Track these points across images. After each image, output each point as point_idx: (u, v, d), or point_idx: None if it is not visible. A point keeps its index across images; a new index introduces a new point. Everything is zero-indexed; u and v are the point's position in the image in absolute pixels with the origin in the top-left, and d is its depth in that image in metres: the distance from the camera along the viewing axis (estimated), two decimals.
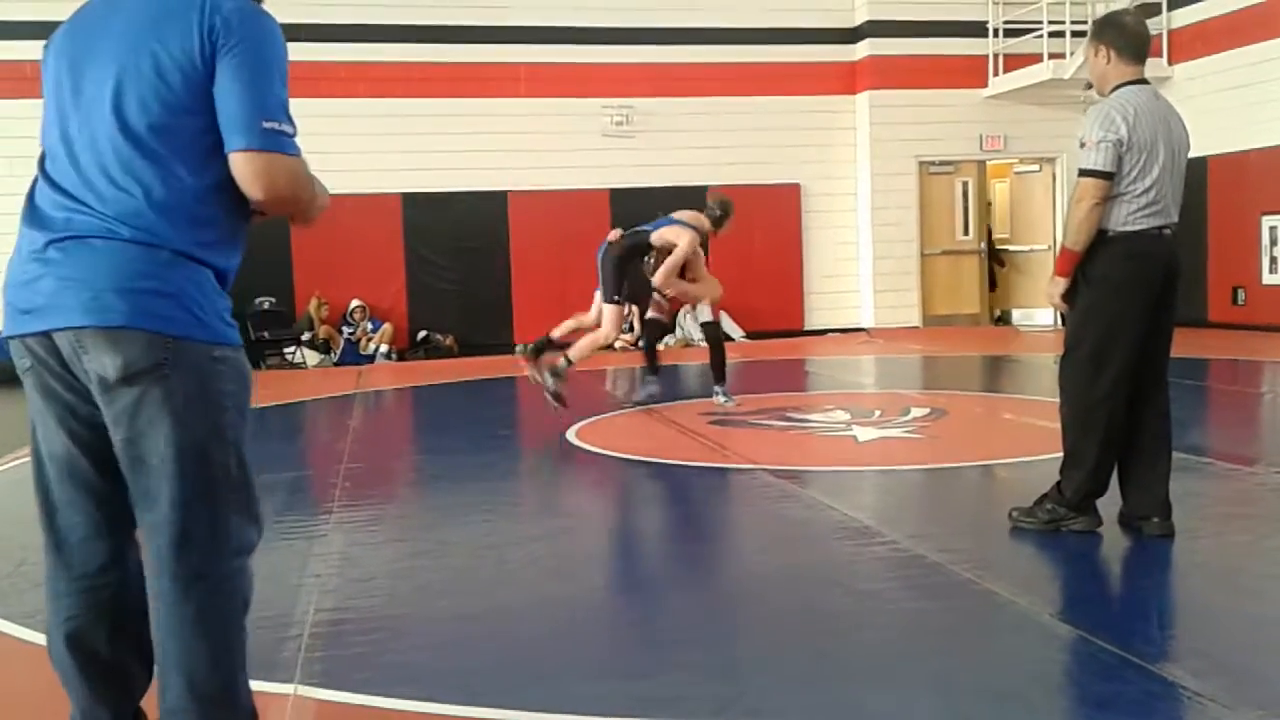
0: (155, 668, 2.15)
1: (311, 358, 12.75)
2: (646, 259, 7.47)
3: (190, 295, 2.06)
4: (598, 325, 7.50)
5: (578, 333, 7.66)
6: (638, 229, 7.60)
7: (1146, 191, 3.97)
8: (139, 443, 2.04)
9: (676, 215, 7.64)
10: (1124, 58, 4.08)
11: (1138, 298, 4.03)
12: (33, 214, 2.10)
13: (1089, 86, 4.41)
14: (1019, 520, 4.29)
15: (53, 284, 2.03)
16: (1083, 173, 3.99)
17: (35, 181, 2.16)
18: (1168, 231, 4.06)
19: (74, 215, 2.05)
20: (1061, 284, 4.10)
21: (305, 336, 12.86)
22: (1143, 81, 4.09)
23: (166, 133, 2.05)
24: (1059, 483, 4.21)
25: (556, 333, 7.75)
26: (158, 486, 2.05)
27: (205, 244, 2.10)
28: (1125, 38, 4.09)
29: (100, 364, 2.01)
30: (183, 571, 2.07)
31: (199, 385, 2.07)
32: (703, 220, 7.61)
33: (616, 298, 7.37)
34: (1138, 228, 4.00)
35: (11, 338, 2.10)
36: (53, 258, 2.04)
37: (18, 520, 4.77)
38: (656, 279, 7.35)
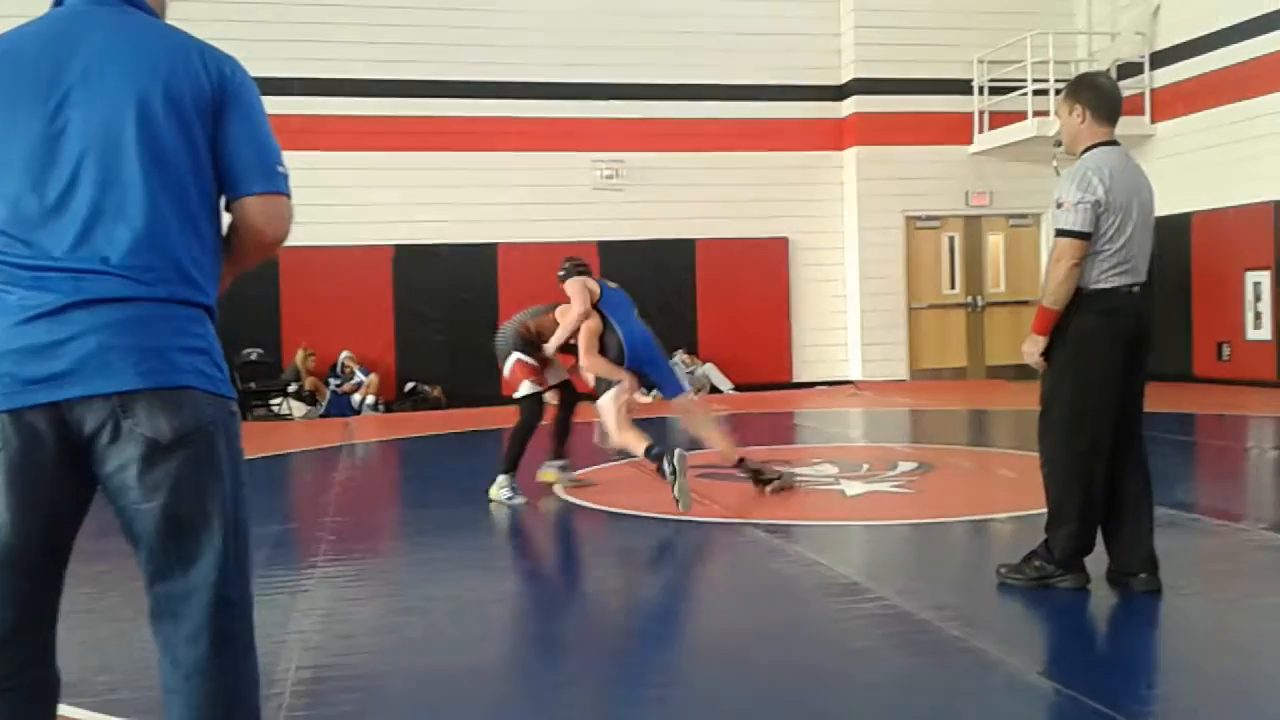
0: None
1: (298, 409, 12.71)
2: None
3: (217, 351, 2.06)
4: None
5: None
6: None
7: (1120, 250, 4.03)
8: (183, 504, 1.97)
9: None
10: (1098, 118, 4.15)
11: (1112, 354, 4.07)
12: (12, 275, 1.94)
13: (1058, 144, 4.48)
14: (1007, 577, 4.28)
15: (86, 348, 1.91)
16: (1060, 233, 4.04)
17: None
18: (1137, 289, 4.11)
19: (82, 276, 1.93)
20: (1040, 342, 4.13)
21: (292, 388, 12.82)
22: (1114, 143, 4.16)
23: (189, 177, 2.01)
24: (1046, 540, 4.21)
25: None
26: (199, 549, 1.99)
27: (214, 297, 2.10)
28: (1100, 98, 4.16)
29: (154, 427, 1.93)
30: (224, 634, 2.01)
31: (229, 442, 2.05)
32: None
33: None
34: (1110, 285, 4.05)
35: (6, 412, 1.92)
36: (80, 320, 1.91)
37: None
38: (582, 360, 6.58)
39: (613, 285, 6.79)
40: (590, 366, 6.51)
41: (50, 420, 1.92)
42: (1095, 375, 4.07)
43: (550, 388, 6.76)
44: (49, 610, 2.05)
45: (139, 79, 2.00)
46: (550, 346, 6.60)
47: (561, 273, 6.78)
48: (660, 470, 6.01)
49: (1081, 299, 4.05)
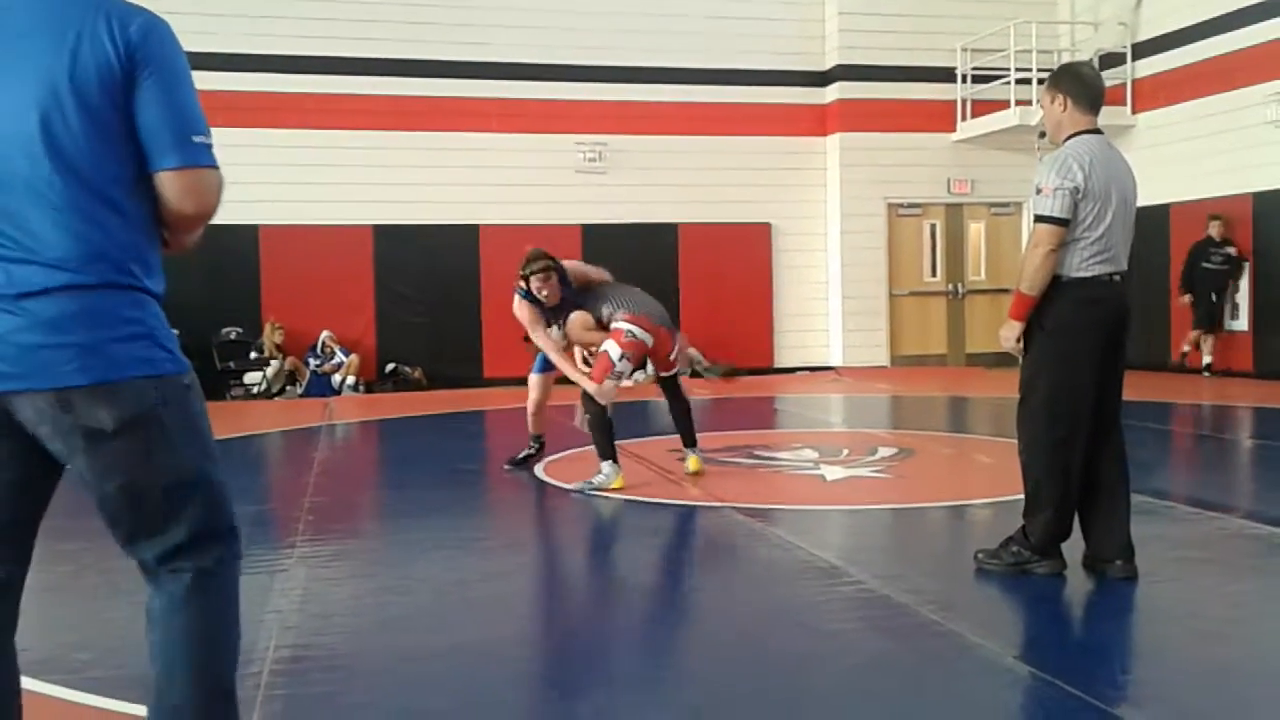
0: (155, 673, 2.13)
1: (254, 377, 12.50)
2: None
3: (160, 331, 2.06)
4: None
5: None
6: None
7: (1099, 239, 4.05)
8: (138, 482, 2.04)
9: None
10: (1080, 107, 4.16)
11: (1091, 342, 4.09)
12: None
13: (1042, 135, 4.50)
14: (984, 562, 4.31)
15: (21, 347, 1.92)
16: (1039, 219, 4.05)
17: None
18: (1117, 278, 4.13)
19: (12, 266, 1.92)
20: (1016, 328, 4.15)
21: (255, 358, 12.64)
22: (1097, 131, 4.17)
23: (104, 160, 1.95)
24: (1023, 526, 4.23)
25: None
26: (163, 513, 2.07)
27: (154, 276, 2.07)
28: (1082, 87, 4.17)
29: (94, 418, 1.97)
30: (197, 569, 2.11)
31: (183, 415, 2.09)
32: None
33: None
34: (1090, 274, 4.07)
35: None
36: (11, 317, 1.92)
37: None
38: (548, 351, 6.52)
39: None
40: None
41: None
42: (1074, 364, 4.09)
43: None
44: (15, 578, 2.13)
45: (47, 67, 1.93)
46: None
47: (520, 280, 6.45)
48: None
49: (1061, 287, 4.06)
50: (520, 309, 6.39)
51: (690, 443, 6.66)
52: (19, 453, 2.03)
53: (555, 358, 6.42)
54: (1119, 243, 4.11)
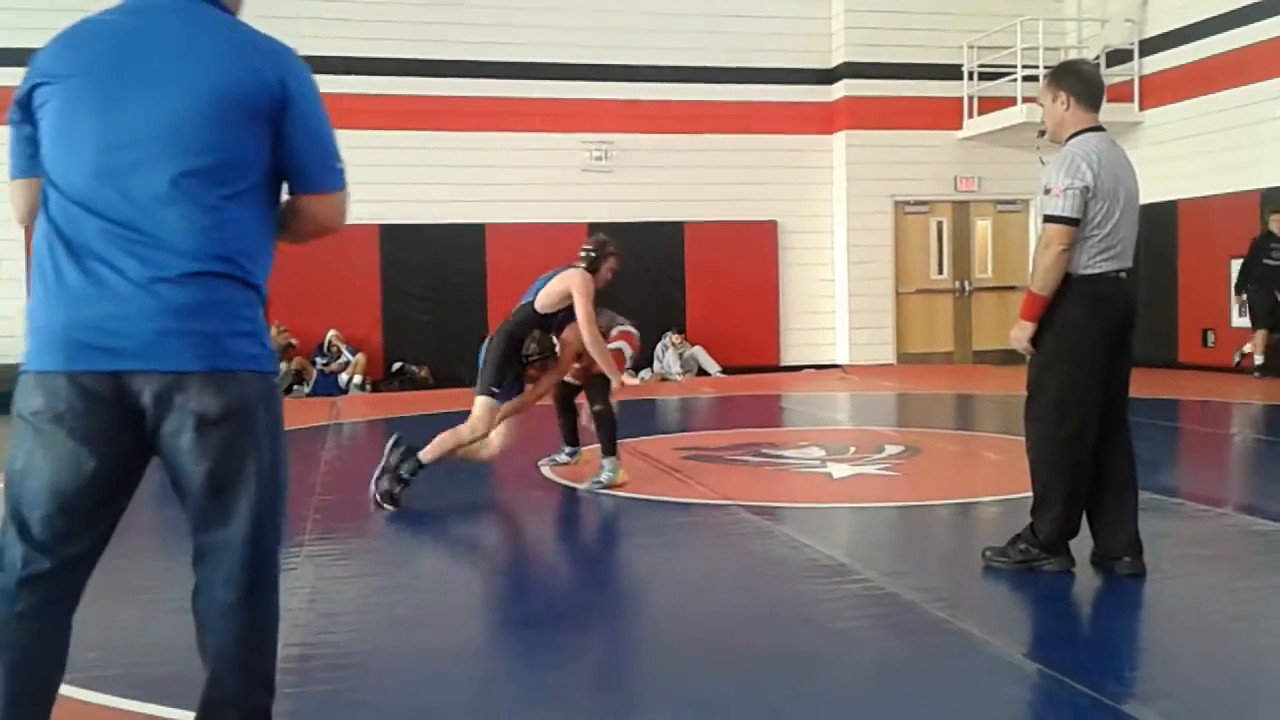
0: (209, 669, 2.24)
1: None
2: (528, 342, 6.17)
3: (264, 331, 2.24)
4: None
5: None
6: (520, 305, 6.27)
7: (1107, 236, 4.04)
8: (226, 469, 2.16)
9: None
10: (1082, 105, 4.14)
11: (1098, 339, 4.08)
12: (80, 250, 2.07)
13: (1042, 134, 4.48)
14: (992, 560, 4.31)
15: (149, 326, 2.07)
16: (1049, 219, 4.04)
17: (54, 215, 2.11)
18: (1124, 275, 4.12)
19: (147, 252, 2.07)
20: (1029, 328, 4.14)
21: None
22: (1099, 128, 4.16)
23: (233, 169, 2.14)
24: (1031, 524, 4.23)
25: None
26: (238, 505, 2.18)
27: (263, 278, 2.25)
28: (1084, 85, 4.16)
29: (202, 404, 2.11)
30: (254, 580, 2.22)
31: (272, 414, 2.24)
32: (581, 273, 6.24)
33: (495, 389, 6.00)
34: (1098, 270, 4.06)
35: (66, 372, 2.07)
36: (141, 298, 2.06)
37: None
38: (585, 338, 6.03)
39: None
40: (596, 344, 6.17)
41: (108, 387, 2.08)
42: (1082, 361, 4.08)
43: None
44: (90, 557, 2.23)
45: (202, 75, 2.13)
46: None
47: (595, 253, 6.31)
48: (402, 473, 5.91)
49: (1069, 284, 4.05)
50: (588, 285, 6.10)
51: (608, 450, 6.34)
52: (120, 433, 2.12)
53: (597, 350, 6.12)
54: (1125, 239, 4.11)
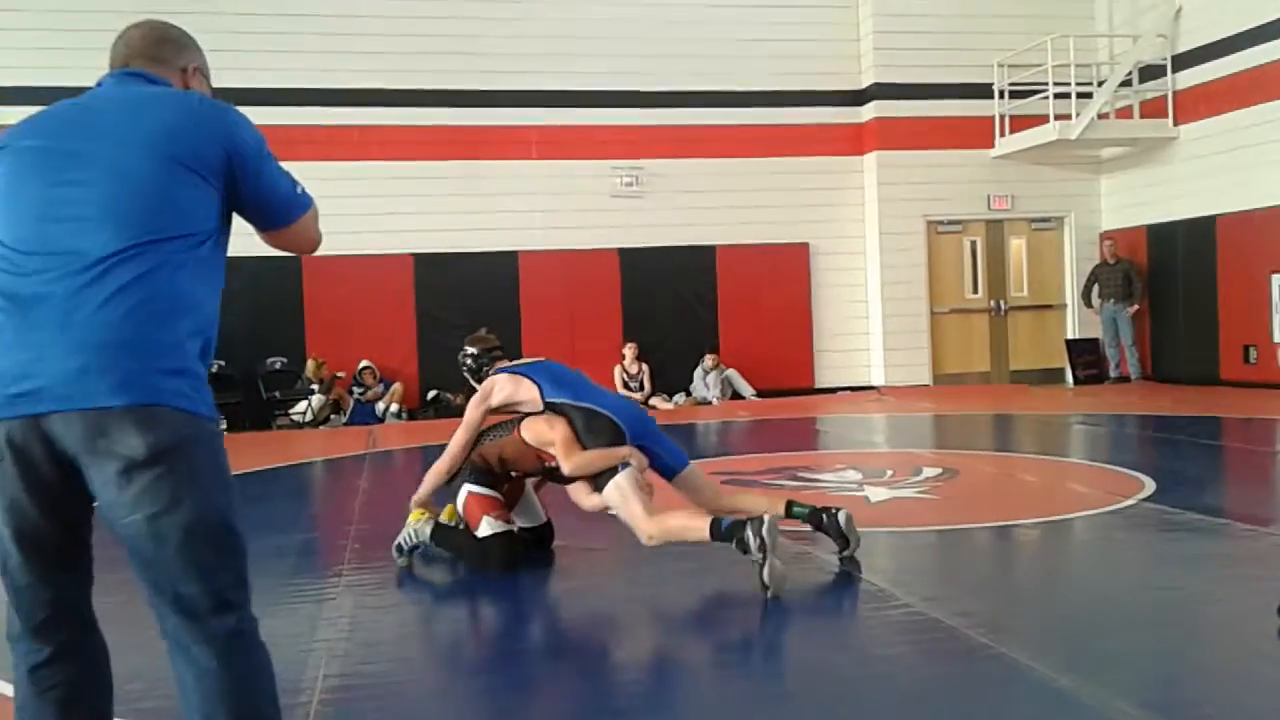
0: None
1: (302, 411, 12.62)
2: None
3: (199, 374, 2.14)
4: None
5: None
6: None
7: None
8: (162, 519, 2.05)
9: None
10: None
11: None
12: (13, 299, 2.06)
13: None
14: None
15: (65, 364, 2.00)
16: None
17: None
18: None
19: (82, 290, 2.04)
20: None
21: (300, 387, 12.77)
22: None
23: (183, 229, 2.14)
24: None
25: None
26: (185, 559, 2.07)
27: (207, 326, 2.19)
28: None
29: (127, 445, 2.01)
30: (220, 631, 2.11)
31: (212, 459, 2.13)
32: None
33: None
34: None
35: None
36: (55, 338, 2.01)
37: None
38: (565, 468, 5.04)
39: (536, 360, 5.75)
40: (581, 467, 4.99)
41: (29, 433, 2.03)
42: None
43: (523, 530, 5.39)
44: (80, 588, 2.25)
45: (146, 141, 2.16)
46: (570, 468, 5.02)
47: (472, 363, 5.91)
48: (741, 546, 4.42)
49: None
50: (478, 397, 5.64)
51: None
52: (58, 479, 2.07)
53: (602, 458, 5.06)
54: None
